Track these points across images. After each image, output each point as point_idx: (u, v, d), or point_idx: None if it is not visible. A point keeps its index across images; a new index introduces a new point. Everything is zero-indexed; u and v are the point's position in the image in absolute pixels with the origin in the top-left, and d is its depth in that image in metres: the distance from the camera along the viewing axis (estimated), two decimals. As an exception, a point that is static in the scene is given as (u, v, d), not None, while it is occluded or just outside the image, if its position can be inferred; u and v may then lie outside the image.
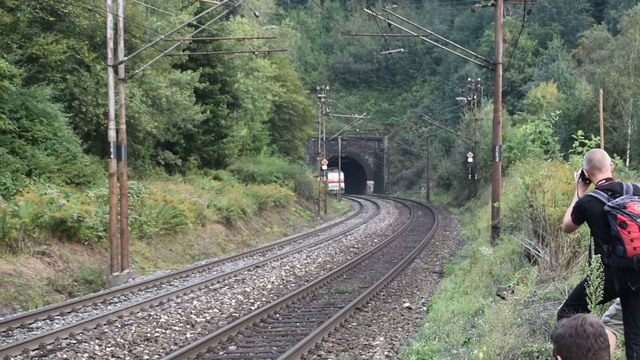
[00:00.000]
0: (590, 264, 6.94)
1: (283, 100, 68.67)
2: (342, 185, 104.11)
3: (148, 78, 36.82)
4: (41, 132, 28.93)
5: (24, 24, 29.44)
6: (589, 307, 6.88)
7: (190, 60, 44.08)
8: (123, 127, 25.95)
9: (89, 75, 33.08)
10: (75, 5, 31.61)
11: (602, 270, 6.75)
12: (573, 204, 7.37)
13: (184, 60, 42.72)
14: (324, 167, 68.81)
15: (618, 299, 7.27)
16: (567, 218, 7.42)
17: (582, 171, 7.44)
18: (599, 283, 6.74)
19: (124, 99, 26.30)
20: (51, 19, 31.27)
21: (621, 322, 7.22)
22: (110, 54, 25.49)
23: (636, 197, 6.82)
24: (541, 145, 31.52)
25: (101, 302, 21.06)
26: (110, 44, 25.49)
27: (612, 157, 23.09)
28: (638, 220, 6.62)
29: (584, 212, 7.08)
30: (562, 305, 7.71)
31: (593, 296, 6.80)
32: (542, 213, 17.39)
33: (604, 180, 7.13)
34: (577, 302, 7.19)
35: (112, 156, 25.42)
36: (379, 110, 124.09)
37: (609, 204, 6.80)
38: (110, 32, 25.47)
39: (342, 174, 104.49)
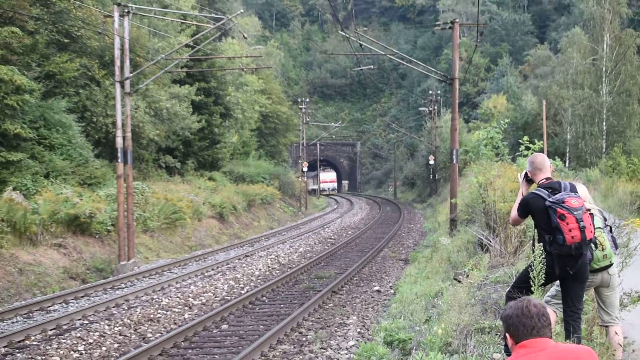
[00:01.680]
0: (534, 252, 7.03)
1: (269, 110, 68.59)
2: (335, 185, 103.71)
3: (151, 92, 36.79)
4: (57, 140, 28.89)
5: (42, 45, 29.40)
6: (532, 288, 6.95)
7: (187, 76, 44.03)
8: (129, 134, 25.86)
9: (99, 90, 33.05)
10: (87, 29, 31.53)
11: (544, 257, 6.84)
12: (518, 200, 7.45)
13: (182, 76, 42.71)
14: (305, 169, 68.75)
15: (558, 281, 7.36)
16: (514, 213, 7.49)
17: (526, 173, 7.53)
18: (541, 268, 6.82)
19: (129, 111, 26.20)
20: (66, 40, 31.27)
21: (560, 302, 7.31)
22: (117, 71, 25.43)
23: (572, 193, 6.93)
24: (492, 149, 31.59)
25: (110, 288, 20.99)
26: (118, 63, 25.42)
27: (554, 159, 23.31)
28: (575, 213, 6.73)
29: (528, 207, 7.16)
30: (509, 287, 7.77)
31: (536, 279, 6.87)
32: (493, 208, 17.49)
33: (544, 180, 7.22)
34: (522, 284, 7.25)
35: (119, 160, 25.40)
36: (352, 119, 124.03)
37: (550, 199, 6.89)
38: (117, 52, 25.40)
39: (334, 174, 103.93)
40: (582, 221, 6.76)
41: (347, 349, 12.89)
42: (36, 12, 29.08)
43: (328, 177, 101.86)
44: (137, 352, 12.29)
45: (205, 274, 23.55)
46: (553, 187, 7.06)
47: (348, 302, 17.82)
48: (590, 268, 7.18)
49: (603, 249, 7.28)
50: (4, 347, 13.55)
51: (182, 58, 34.46)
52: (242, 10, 43.40)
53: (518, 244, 15.39)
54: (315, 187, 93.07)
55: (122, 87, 25.66)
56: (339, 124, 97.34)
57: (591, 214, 7.07)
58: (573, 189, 7.07)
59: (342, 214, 55.73)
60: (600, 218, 7.49)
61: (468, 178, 27.62)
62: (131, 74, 26.32)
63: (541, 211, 6.99)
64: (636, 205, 22.37)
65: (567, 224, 6.75)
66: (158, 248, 29.76)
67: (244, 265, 25.36)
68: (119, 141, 25.41)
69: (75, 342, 13.72)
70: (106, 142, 34.07)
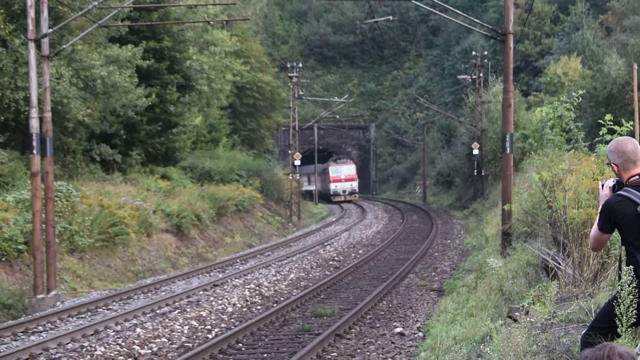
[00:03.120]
0: (620, 278, 6.91)
1: (246, 80, 68.69)
2: (356, 185, 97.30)
3: (79, 55, 36.64)
4: (-54, 123, 28.87)
5: None
6: (619, 330, 6.88)
7: (130, 33, 43.93)
8: (48, 115, 25.84)
9: (5, 52, 32.87)
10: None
11: (635, 285, 6.73)
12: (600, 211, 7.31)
13: (123, 32, 42.57)
14: (297, 162, 68.46)
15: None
16: (594, 231, 7.36)
17: (615, 183, 7.35)
18: (632, 301, 6.72)
19: (48, 81, 26.20)
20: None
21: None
22: (31, 25, 25.39)
23: (676, 195, 6.82)
24: (562, 133, 31.61)
25: (22, 332, 20.96)
26: (32, 13, 25.39)
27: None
28: (678, 222, 6.63)
29: (614, 215, 7.05)
30: (587, 329, 7.71)
31: (624, 317, 6.80)
32: (562, 216, 17.44)
33: (637, 177, 7.09)
34: (605, 324, 7.19)
35: (34, 151, 25.35)
36: (364, 92, 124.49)
37: (644, 203, 6.80)
38: (30, -1, 25.39)
39: (353, 167, 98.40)
40: (690, 234, 6.67)
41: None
42: None
43: (344, 172, 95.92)
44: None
45: (158, 311, 23.55)
46: (649, 187, 6.98)
47: (358, 350, 17.82)
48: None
49: None
50: None
51: (123, 6, 34.42)
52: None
53: (599, 267, 15.36)
54: (312, 187, 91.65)
55: (38, 47, 25.64)
56: (345, 98, 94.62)
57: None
58: (677, 189, 6.98)
59: (350, 226, 55.80)
60: None
61: (527, 174, 27.61)
62: (51, 30, 26.30)
63: (632, 220, 6.90)
64: None
65: (668, 237, 6.69)
66: (90, 275, 29.77)
67: (212, 298, 25.38)
68: (34, 124, 25.36)
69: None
70: (16, 126, 34.04)
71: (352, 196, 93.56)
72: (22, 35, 31.28)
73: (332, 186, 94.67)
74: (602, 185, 7.45)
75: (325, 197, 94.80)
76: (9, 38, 32.80)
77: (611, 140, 7.46)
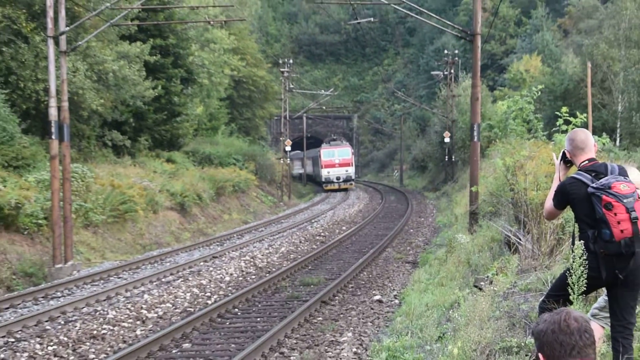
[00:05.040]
0: (573, 251, 6.96)
1: (242, 75, 68.54)
2: (352, 171, 78.15)
3: (93, 51, 36.54)
4: (-26, 111, 28.74)
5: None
6: (571, 298, 6.94)
7: (139, 31, 43.84)
8: (65, 104, 25.79)
9: (27, 48, 32.77)
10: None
11: (585, 257, 6.79)
12: (553, 188, 7.42)
13: (132, 30, 42.49)
14: (288, 148, 68.13)
15: (606, 290, 7.34)
16: (549, 203, 7.47)
17: (563, 153, 7.52)
18: (582, 271, 6.78)
19: (66, 74, 26.12)
20: (-16, -16, 31.02)
21: (608, 315, 7.29)
22: (50, 24, 25.29)
23: (621, 177, 6.87)
24: (523, 124, 31.63)
25: (42, 297, 20.96)
26: (50, 13, 25.27)
27: (600, 137, 23.30)
28: (624, 200, 6.68)
29: (566, 195, 7.14)
30: (544, 296, 7.76)
31: (576, 286, 6.85)
32: (523, 197, 17.48)
33: (586, 161, 7.19)
34: (559, 292, 7.25)
35: (53, 137, 25.28)
36: (348, 86, 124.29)
37: (593, 185, 6.86)
38: (50, 0, 25.25)
39: (349, 150, 79.47)
40: (634, 211, 6.70)
41: (340, 373, 12.92)
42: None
43: (338, 156, 77.36)
44: (76, 378, 12.29)
45: (163, 279, 23.54)
46: (597, 170, 7.04)
47: (341, 315, 17.86)
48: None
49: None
50: None
51: (133, 7, 34.29)
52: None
53: (555, 243, 15.41)
54: (301, 171, 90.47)
55: (57, 44, 25.55)
56: (330, 91, 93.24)
57: (645, 203, 7.02)
58: (622, 173, 7.02)
59: (335, 205, 55.77)
60: (658, 206, 7.46)
61: (493, 160, 27.64)
62: (68, 28, 26.21)
63: (582, 200, 6.96)
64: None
65: (615, 214, 6.71)
66: (103, 247, 29.74)
67: (211, 268, 25.37)
68: (52, 112, 25.29)
69: (-2, 365, 13.72)
70: (36, 114, 33.94)
71: (348, 184, 76.57)
72: (42, 32, 31.15)
73: (324, 172, 76.38)
74: (556, 157, 7.73)
75: (319, 183, 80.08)
76: (30, 35, 32.71)
77: (567, 130, 7.56)
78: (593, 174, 6.98)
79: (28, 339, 15.57)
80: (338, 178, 75.63)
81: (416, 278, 21.40)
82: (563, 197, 7.19)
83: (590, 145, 7.31)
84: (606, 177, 6.88)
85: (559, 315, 3.81)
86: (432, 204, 53.20)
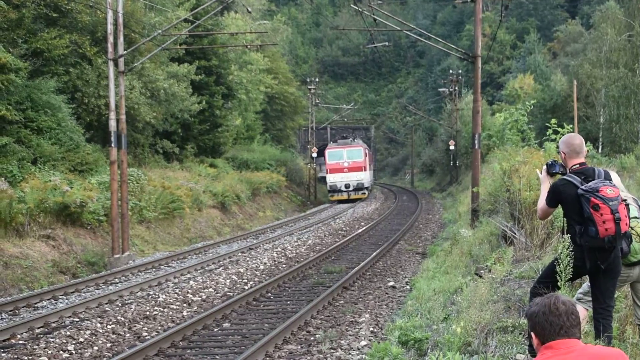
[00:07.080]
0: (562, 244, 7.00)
1: (275, 91, 68.61)
2: (366, 176, 58.08)
3: (147, 71, 36.76)
4: (46, 123, 28.90)
5: (28, 19, 29.38)
6: (559, 284, 6.95)
7: (186, 54, 44.04)
8: (123, 117, 25.89)
9: (90, 69, 33.04)
10: (77, 2, 31.52)
11: (571, 249, 6.84)
12: (542, 196, 7.44)
13: (180, 54, 42.71)
14: (314, 155, 67.74)
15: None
16: (541, 203, 7.49)
17: (547, 165, 7.56)
18: (569, 261, 6.80)
19: (123, 91, 26.24)
20: (54, 14, 31.27)
21: (591, 299, 7.30)
22: (110, 48, 25.42)
23: (607, 181, 6.92)
24: (518, 133, 31.55)
25: (103, 283, 21.05)
26: (111, 39, 25.41)
27: (586, 145, 23.20)
28: (610, 203, 6.75)
29: (558, 194, 7.18)
30: (534, 282, 7.76)
31: (563, 274, 6.86)
32: (518, 197, 17.46)
33: (577, 165, 7.22)
34: (548, 279, 7.28)
35: (112, 145, 25.40)
36: (366, 101, 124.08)
37: (583, 187, 6.90)
38: (110, 28, 25.39)
39: (361, 151, 58.90)
40: (618, 212, 6.77)
41: (358, 349, 12.88)
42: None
43: (348, 158, 57.12)
44: (131, 352, 12.31)
45: (206, 268, 23.58)
46: (586, 174, 7.07)
47: (360, 299, 17.81)
48: (626, 262, 7.18)
49: (640, 240, 7.26)
50: (-12, 346, 13.60)
51: (181, 34, 34.42)
52: (245, -18, 43.36)
53: (545, 237, 15.36)
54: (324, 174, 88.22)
55: (116, 65, 25.66)
56: (351, 106, 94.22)
57: (627, 205, 7.05)
58: (607, 177, 7.10)
59: (355, 204, 55.61)
60: (636, 207, 7.46)
61: (491, 165, 27.57)
62: (125, 52, 26.32)
63: (572, 200, 7.00)
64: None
65: (601, 215, 6.77)
66: (155, 240, 29.84)
67: (248, 258, 25.40)
68: (112, 124, 25.41)
69: (64, 341, 13.76)
70: (98, 126, 34.11)
71: (360, 193, 56.90)
72: (103, 55, 31.35)
73: (330, 178, 57.15)
74: (538, 172, 7.76)
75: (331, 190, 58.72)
76: (94, 58, 33.00)
77: (556, 139, 7.54)
78: (582, 177, 7.05)
79: (90, 319, 15.63)
80: (347, 186, 56.47)
81: (425, 267, 21.32)
82: (555, 196, 7.23)
83: (584, 151, 7.40)
84: (594, 181, 6.93)
85: (549, 299, 3.86)
86: (439, 203, 53.04)
